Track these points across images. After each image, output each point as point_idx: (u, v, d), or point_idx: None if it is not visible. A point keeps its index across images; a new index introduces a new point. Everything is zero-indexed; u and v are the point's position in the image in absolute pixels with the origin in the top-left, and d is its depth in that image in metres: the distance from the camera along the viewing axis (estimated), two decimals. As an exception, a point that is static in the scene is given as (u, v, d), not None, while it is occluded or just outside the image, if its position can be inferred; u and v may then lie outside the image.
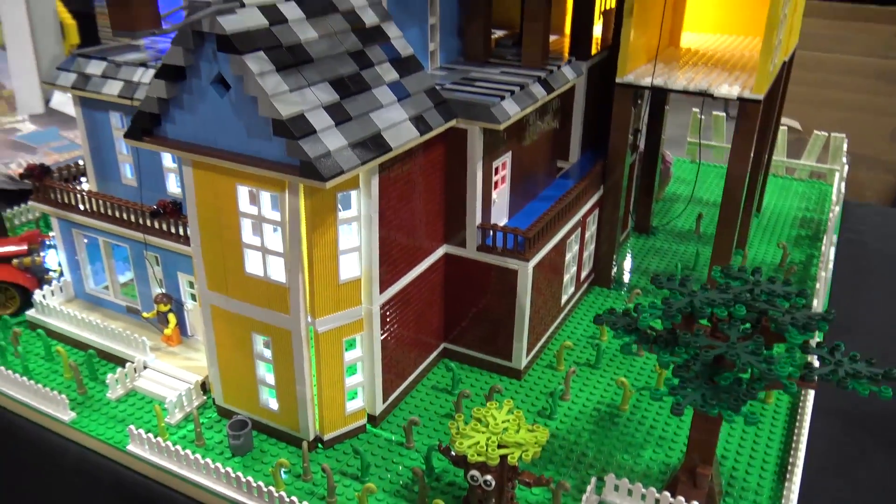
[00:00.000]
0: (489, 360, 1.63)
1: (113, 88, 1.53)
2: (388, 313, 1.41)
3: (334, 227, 1.24)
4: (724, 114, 2.80)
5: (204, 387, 1.53)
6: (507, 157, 1.58)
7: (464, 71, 1.62)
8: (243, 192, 1.24)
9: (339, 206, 1.25)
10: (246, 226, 1.27)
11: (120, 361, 1.61)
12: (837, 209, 2.04)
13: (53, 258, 1.83)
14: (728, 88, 1.64)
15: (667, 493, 1.23)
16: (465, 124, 1.43)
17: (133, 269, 1.66)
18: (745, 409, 1.08)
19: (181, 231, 1.52)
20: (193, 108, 1.20)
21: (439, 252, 1.56)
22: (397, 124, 1.28)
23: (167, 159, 1.59)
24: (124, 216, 1.57)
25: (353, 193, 1.26)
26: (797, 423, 1.44)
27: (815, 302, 1.76)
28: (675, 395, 1.08)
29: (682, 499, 1.21)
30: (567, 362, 1.67)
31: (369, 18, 1.37)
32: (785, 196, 2.59)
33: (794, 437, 1.41)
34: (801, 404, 1.50)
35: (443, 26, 1.64)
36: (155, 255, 1.61)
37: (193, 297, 1.62)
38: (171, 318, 1.62)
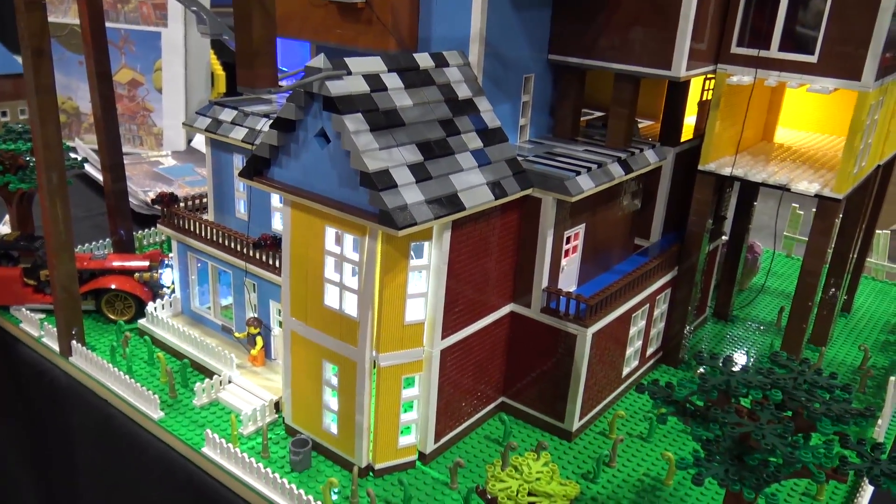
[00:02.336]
0: (542, 419, 1.70)
1: (238, 134, 1.75)
2: (448, 359, 1.52)
3: (405, 273, 1.38)
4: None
5: (277, 406, 1.68)
6: (580, 229, 1.68)
7: (550, 146, 1.75)
8: (330, 232, 1.40)
9: (412, 255, 1.38)
10: (329, 263, 1.42)
11: (209, 373, 1.79)
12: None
13: (168, 276, 2.06)
14: (807, 185, 1.68)
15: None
16: (540, 194, 1.55)
17: (233, 294, 1.86)
18: (769, 491, 1.10)
19: (276, 263, 1.70)
20: (297, 156, 1.39)
21: (506, 309, 1.66)
22: (474, 187, 1.42)
23: (275, 199, 1.79)
24: (231, 245, 1.77)
25: (426, 244, 1.39)
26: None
27: (885, 407, 1.72)
28: (698, 466, 1.12)
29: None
30: (620, 431, 1.71)
31: (463, 92, 1.52)
32: (881, 300, 2.52)
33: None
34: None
35: (535, 104, 1.78)
36: (253, 283, 1.80)
37: (280, 324, 1.79)
38: (259, 340, 1.79)
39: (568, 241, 1.66)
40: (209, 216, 1.97)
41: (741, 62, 1.71)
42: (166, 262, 2.09)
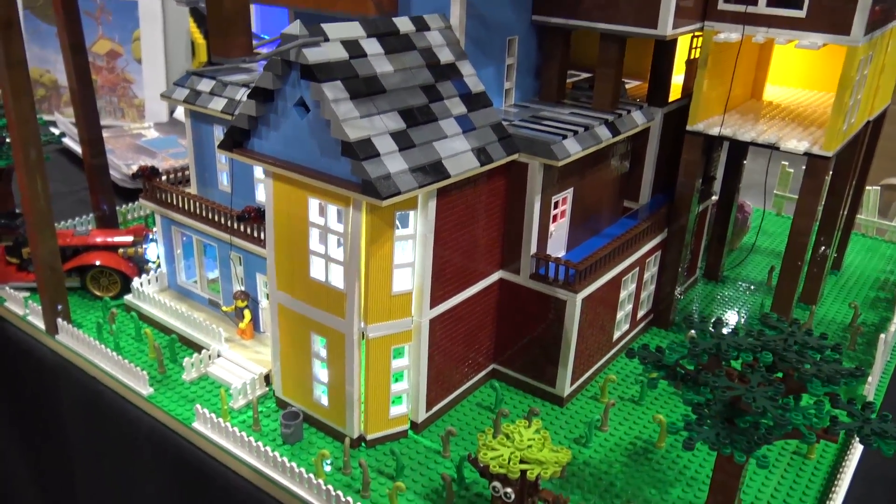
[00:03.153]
0: (534, 385, 1.70)
1: (218, 104, 1.72)
2: (437, 328, 1.51)
3: (390, 243, 1.36)
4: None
5: (267, 379, 1.67)
6: (567, 193, 1.66)
7: (536, 110, 1.72)
8: (314, 204, 1.38)
9: (398, 224, 1.36)
10: (313, 234, 1.40)
11: (198, 348, 1.78)
12: (915, 274, 1.99)
13: (153, 251, 2.04)
14: (796, 143, 1.66)
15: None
16: (527, 159, 1.52)
17: (219, 267, 1.84)
18: (760, 453, 1.10)
19: (261, 235, 1.67)
20: (277, 127, 1.35)
21: (495, 276, 1.64)
22: (459, 154, 1.39)
23: (258, 171, 1.76)
24: (215, 218, 1.75)
25: (411, 213, 1.37)
26: (834, 484, 1.43)
27: (875, 365, 1.73)
28: (689, 431, 1.12)
29: (698, 538, 1.24)
30: (611, 395, 1.71)
31: (445, 56, 1.49)
32: (870, 257, 2.52)
33: (830, 498, 1.40)
34: (842, 465, 1.49)
35: (520, 67, 1.74)
36: (239, 256, 1.77)
37: (268, 297, 1.77)
38: (247, 313, 1.78)
39: (556, 206, 1.64)
40: (192, 189, 1.94)
41: (729, 19, 1.68)
42: (151, 236, 2.07)
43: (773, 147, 1.68)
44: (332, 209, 1.36)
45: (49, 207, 1.74)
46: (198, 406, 1.53)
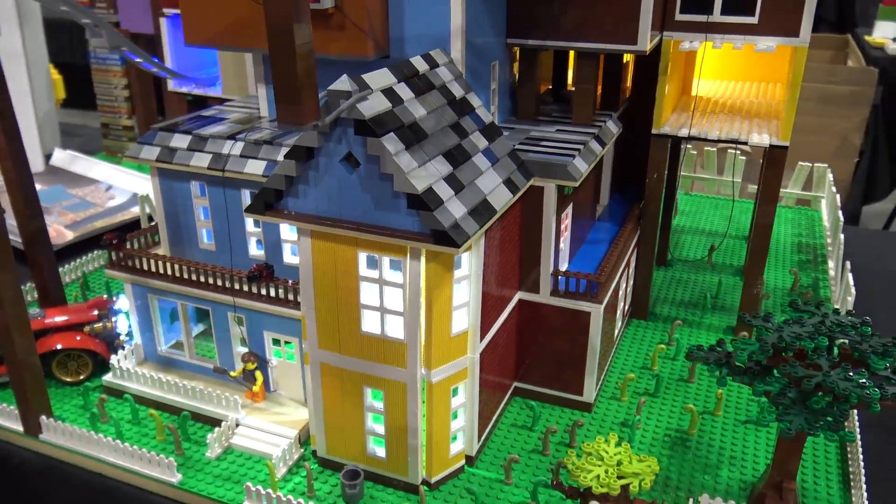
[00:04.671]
0: (560, 396, 1.75)
1: (202, 161, 1.60)
2: (484, 360, 1.52)
3: (450, 287, 1.35)
4: (714, 150, 3.01)
5: (300, 440, 1.60)
6: (569, 208, 1.72)
7: (523, 131, 1.76)
8: (363, 258, 1.34)
9: (455, 266, 1.36)
10: (364, 288, 1.36)
11: (207, 421, 1.67)
12: (842, 235, 2.25)
13: (124, 323, 1.87)
14: (759, 137, 1.82)
15: (759, 509, 1.37)
16: (542, 182, 1.56)
17: (214, 332, 1.73)
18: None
19: (274, 293, 1.60)
20: (318, 184, 1.30)
21: (515, 299, 1.67)
22: (496, 188, 1.41)
23: (250, 225, 1.67)
24: (218, 282, 1.64)
25: (465, 255, 1.37)
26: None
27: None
28: (782, 422, 1.22)
29: (773, 513, 1.35)
30: (628, 392, 1.80)
31: (457, 91, 1.49)
32: (777, 222, 2.80)
33: (850, 449, 1.57)
34: (848, 420, 1.67)
35: (500, 90, 1.77)
36: (240, 316, 1.68)
37: (278, 354, 1.70)
38: (258, 375, 1.69)
39: (562, 222, 1.69)
40: (162, 250, 1.80)
41: (685, 28, 1.80)
42: (115, 307, 1.89)
43: (740, 142, 1.83)
44: (386, 261, 1.33)
45: (20, 297, 1.55)
46: (248, 485, 1.44)
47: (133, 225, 2.74)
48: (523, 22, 1.74)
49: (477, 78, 1.64)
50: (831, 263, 2.37)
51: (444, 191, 1.27)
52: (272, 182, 1.32)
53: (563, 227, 1.71)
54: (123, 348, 1.82)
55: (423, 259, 1.29)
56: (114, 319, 1.86)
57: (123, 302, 1.87)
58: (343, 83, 1.20)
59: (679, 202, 2.77)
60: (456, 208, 1.27)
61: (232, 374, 1.72)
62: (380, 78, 1.30)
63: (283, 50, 1.05)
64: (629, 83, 2.20)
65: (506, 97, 1.83)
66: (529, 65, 1.80)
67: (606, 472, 1.29)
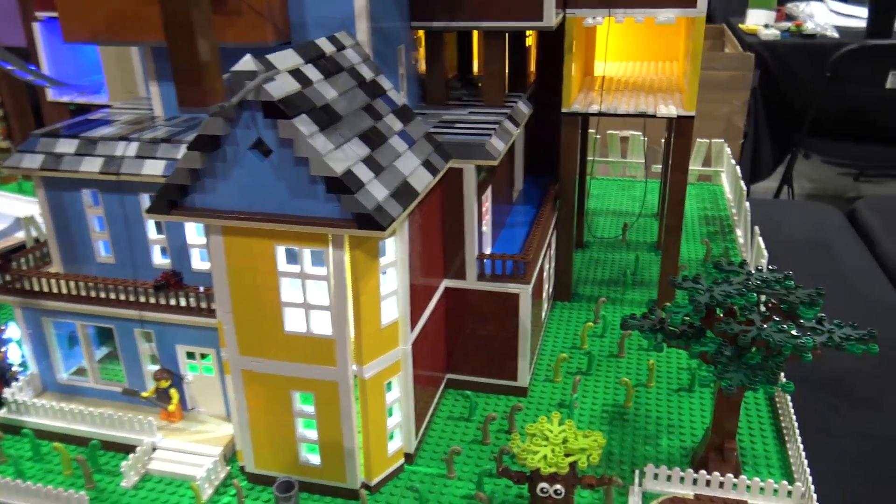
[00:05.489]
0: (494, 383, 1.71)
1: (93, 165, 1.47)
2: (416, 351, 1.46)
3: (377, 275, 1.29)
4: (617, 133, 3.06)
5: (225, 457, 1.49)
6: (489, 191, 1.68)
7: (435, 115, 1.71)
8: (281, 251, 1.26)
9: (380, 252, 1.29)
10: (285, 284, 1.28)
11: (120, 449, 1.54)
12: (747, 204, 2.32)
13: (15, 352, 1.70)
14: (666, 109, 1.84)
15: (704, 472, 1.36)
16: (461, 163, 1.52)
17: (120, 352, 1.59)
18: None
19: (185, 302, 1.48)
20: (227, 176, 1.21)
21: (441, 287, 1.62)
22: (415, 170, 1.35)
23: (152, 232, 1.54)
24: (121, 296, 1.51)
25: (389, 240, 1.31)
26: (777, 392, 1.64)
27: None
28: (723, 379, 1.22)
29: (717, 473, 1.35)
30: (561, 372, 1.78)
31: (367, 73, 1.43)
32: (696, 201, 2.87)
33: (781, 405, 1.61)
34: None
35: (407, 74, 1.72)
36: (148, 332, 1.55)
37: (194, 369, 1.58)
38: (174, 393, 1.56)
39: (483, 205, 1.66)
40: (54, 268, 1.65)
41: (588, 4, 1.81)
42: (4, 336, 1.72)
43: (649, 115, 1.85)
44: (307, 252, 1.25)
45: None
46: (174, 510, 1.33)
47: (18, 251, 2.52)
48: (426, 4, 1.69)
49: (384, 62, 1.58)
50: (739, 232, 2.44)
51: (363, 173, 1.20)
52: (175, 177, 1.22)
53: (484, 209, 1.67)
54: (17, 380, 1.65)
55: (346, 247, 1.22)
56: (3, 350, 1.69)
57: (13, 330, 1.70)
58: (247, 63, 1.12)
59: (589, 185, 2.80)
60: (378, 191, 1.20)
61: (143, 394, 1.58)
62: (285, 59, 1.22)
63: (180, 26, 0.96)
64: (534, 66, 2.19)
65: (414, 82, 1.78)
66: (435, 48, 1.76)
67: (553, 451, 1.26)
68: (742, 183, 2.47)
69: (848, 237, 2.66)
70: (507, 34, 1.76)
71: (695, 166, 3.00)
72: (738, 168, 2.63)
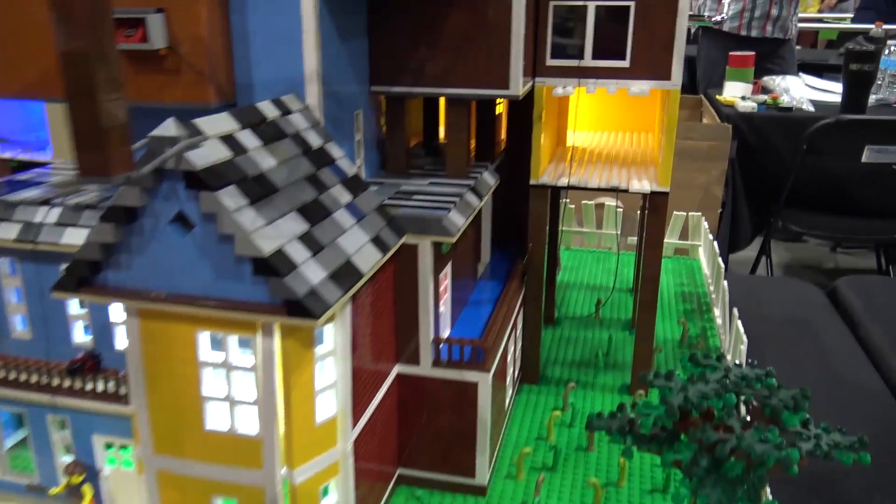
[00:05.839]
0: (450, 480, 1.55)
1: (9, 231, 1.33)
2: (359, 449, 1.30)
3: (311, 367, 1.14)
4: (592, 203, 2.96)
5: (142, 566, 1.31)
6: (448, 267, 1.56)
7: (393, 185, 1.59)
8: (204, 338, 1.11)
9: (316, 341, 1.15)
10: (207, 375, 1.13)
11: (22, 552, 1.35)
12: (725, 283, 2.21)
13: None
14: (639, 184, 1.74)
15: None
16: (416, 239, 1.40)
17: (32, 439, 1.42)
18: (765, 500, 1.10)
19: (102, 387, 1.32)
20: (144, 252, 1.07)
21: (393, 373, 1.48)
22: (362, 248, 1.22)
23: (73, 306, 1.39)
24: (31, 378, 1.35)
25: (328, 327, 1.17)
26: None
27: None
28: (700, 496, 1.08)
29: None
30: (525, 468, 1.62)
31: (314, 140, 1.31)
32: (673, 275, 2.76)
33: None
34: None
35: (366, 141, 1.61)
36: (61, 419, 1.39)
37: (112, 462, 1.41)
38: (87, 490, 1.39)
39: (441, 283, 1.53)
40: (-37, 344, 1.48)
41: (557, 73, 1.72)
42: None
43: (621, 190, 1.74)
44: (233, 340, 1.11)
45: None
46: None
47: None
48: (387, 67, 1.59)
49: (338, 128, 1.47)
50: (717, 311, 2.33)
51: (298, 252, 1.07)
52: (85, 252, 1.08)
53: (442, 288, 1.54)
54: (-87, 468, 1.47)
55: (276, 336, 1.08)
56: None
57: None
58: (168, 128, 0.99)
59: (561, 258, 2.69)
60: (313, 273, 1.07)
61: (52, 491, 1.40)
62: (217, 123, 1.10)
63: (81, 85, 0.84)
64: (504, 134, 2.10)
65: (373, 150, 1.67)
66: (397, 114, 1.65)
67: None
68: (720, 260, 2.37)
69: (829, 317, 2.56)
70: (472, 102, 1.66)
71: (671, 239, 2.91)
72: (715, 244, 2.53)
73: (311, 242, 1.11)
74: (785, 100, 4.40)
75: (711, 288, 2.51)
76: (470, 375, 1.47)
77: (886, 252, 5.12)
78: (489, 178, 1.73)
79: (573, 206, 2.96)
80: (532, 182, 1.81)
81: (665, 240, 2.83)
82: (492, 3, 1.51)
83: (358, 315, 1.25)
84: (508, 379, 1.76)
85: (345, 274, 1.13)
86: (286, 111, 1.29)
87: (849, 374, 2.18)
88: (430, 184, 1.61)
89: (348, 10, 1.46)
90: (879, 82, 4.58)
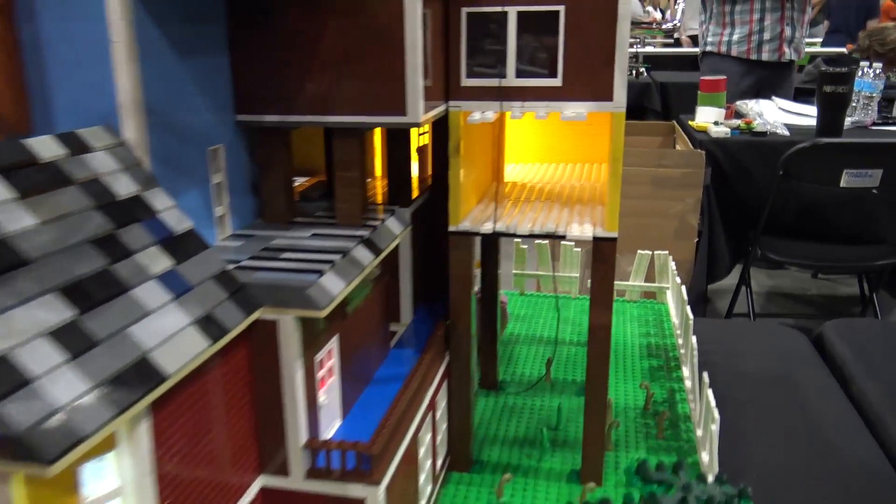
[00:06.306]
0: None
1: None
2: None
3: (80, 516, 0.79)
4: (546, 242, 2.64)
5: None
6: (333, 344, 1.22)
7: (265, 238, 1.26)
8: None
9: (82, 483, 0.80)
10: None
11: None
12: (693, 339, 1.87)
13: None
14: (579, 228, 1.42)
15: None
16: (274, 314, 1.06)
17: None
18: None
19: None
20: None
21: (254, 488, 1.13)
22: (174, 335, 0.88)
23: None
24: None
25: (109, 456, 0.82)
26: None
27: (704, 456, 1.53)
28: None
29: None
30: None
31: (124, 188, 0.97)
32: (621, 321, 2.44)
33: None
34: None
35: (233, 184, 1.28)
36: None
37: None
38: None
39: (321, 366, 1.19)
40: None
41: (474, 95, 1.40)
42: None
43: (558, 237, 1.42)
44: (-44, 485, 0.75)
45: None
46: None
47: None
48: (255, 92, 1.27)
49: (179, 169, 1.13)
50: (686, 372, 2.00)
51: (40, 357, 0.72)
52: None
53: (323, 372, 1.20)
54: None
55: (13, 483, 0.73)
56: None
57: None
58: None
59: (508, 307, 2.36)
60: (65, 386, 0.72)
61: None
62: (-69, 169, 0.76)
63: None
64: (431, 169, 1.77)
65: (245, 194, 1.34)
66: (273, 149, 1.32)
67: None
68: (688, 309, 2.04)
69: (815, 370, 2.24)
70: (366, 132, 1.33)
71: (637, 282, 2.59)
72: (683, 289, 2.21)
73: (73, 339, 0.77)
74: (759, 124, 4.18)
75: (680, 341, 2.18)
76: (354, 490, 1.12)
77: (868, 279, 4.91)
78: (395, 226, 1.40)
79: (525, 247, 2.64)
80: (450, 228, 1.48)
81: (630, 282, 2.53)
82: (380, 9, 1.20)
83: (174, 427, 0.91)
84: (423, 476, 1.41)
85: (130, 379, 0.79)
86: (80, 149, 0.95)
87: (842, 443, 1.85)
88: (312, 236, 1.27)
89: (190, 17, 1.14)
90: (854, 104, 4.36)
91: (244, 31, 1.24)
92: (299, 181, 1.72)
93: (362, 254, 1.23)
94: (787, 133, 4.15)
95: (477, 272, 1.86)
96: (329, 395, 1.22)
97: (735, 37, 4.81)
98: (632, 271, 2.59)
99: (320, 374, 1.18)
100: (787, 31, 4.75)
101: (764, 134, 4.13)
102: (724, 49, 4.87)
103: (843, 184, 3.97)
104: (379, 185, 1.71)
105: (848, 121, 4.28)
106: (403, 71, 1.21)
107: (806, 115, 4.53)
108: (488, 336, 1.95)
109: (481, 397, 1.95)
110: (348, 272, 1.15)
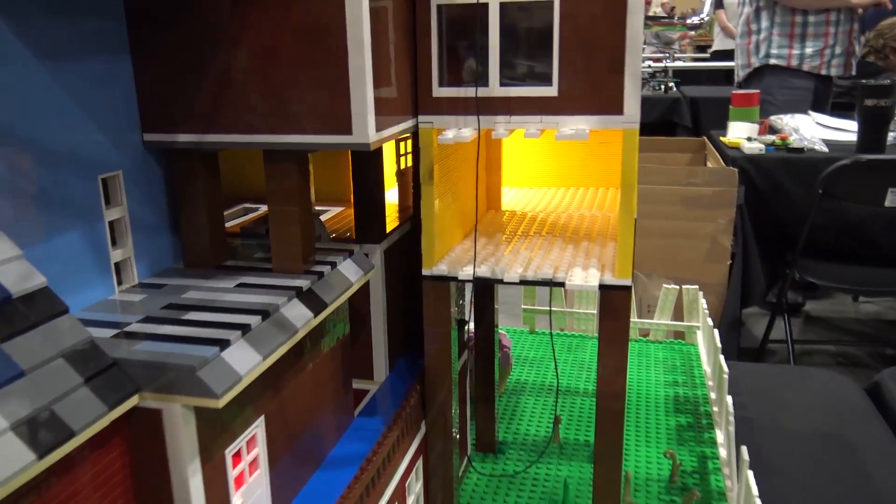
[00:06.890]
0: None
1: None
2: None
3: None
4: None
5: None
6: (256, 428, 0.94)
7: (176, 289, 0.99)
8: None
9: None
10: None
11: None
12: (729, 399, 1.55)
13: None
14: (583, 274, 1.13)
15: None
16: (158, 402, 0.78)
17: None
18: None
19: None
20: None
21: None
22: (-25, 451, 0.61)
23: None
24: None
25: None
26: None
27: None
28: None
29: None
30: None
31: (-69, 235, 0.71)
32: (644, 366, 2.13)
33: None
34: None
35: (140, 220, 1.01)
36: None
37: None
38: None
39: (237, 460, 0.91)
40: None
41: (449, 109, 1.13)
42: None
43: (553, 284, 1.13)
44: None
45: None
46: None
47: None
48: (164, 107, 1.00)
49: (51, 205, 0.87)
50: (720, 437, 1.68)
51: None
52: None
53: (243, 466, 0.92)
54: None
55: None
56: None
57: None
58: None
59: (512, 352, 2.06)
60: None
61: None
62: None
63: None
64: (412, 197, 1.50)
65: (160, 233, 1.07)
66: (194, 176, 1.06)
67: None
68: (722, 359, 1.72)
69: (874, 429, 1.91)
70: (305, 156, 1.06)
71: (663, 319, 2.28)
72: (716, 332, 1.89)
73: None
74: (795, 139, 3.86)
75: (713, 395, 1.86)
76: None
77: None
78: (350, 271, 1.13)
79: (536, 279, 2.34)
80: (424, 272, 1.20)
81: (656, 319, 2.23)
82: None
83: (-19, 580, 0.63)
84: (386, 585, 1.12)
85: None
86: None
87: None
88: (237, 287, 1.00)
89: (65, 10, 0.88)
90: (897, 118, 4.02)
91: (148, 29, 0.98)
92: (253, 212, 1.47)
93: (296, 312, 0.96)
94: (825, 149, 3.84)
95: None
96: (250, 495, 0.94)
97: (808, 50, 4.48)
98: (658, 308, 2.28)
99: (235, 471, 0.90)
100: (855, 46, 4.47)
101: (801, 150, 3.82)
102: (794, 63, 4.54)
103: (887, 203, 3.67)
104: (353, 216, 1.44)
105: (891, 136, 3.95)
106: (346, 81, 0.94)
107: (845, 129, 4.19)
108: (485, 390, 1.65)
109: (476, 462, 1.65)
110: (268, 341, 0.88)
